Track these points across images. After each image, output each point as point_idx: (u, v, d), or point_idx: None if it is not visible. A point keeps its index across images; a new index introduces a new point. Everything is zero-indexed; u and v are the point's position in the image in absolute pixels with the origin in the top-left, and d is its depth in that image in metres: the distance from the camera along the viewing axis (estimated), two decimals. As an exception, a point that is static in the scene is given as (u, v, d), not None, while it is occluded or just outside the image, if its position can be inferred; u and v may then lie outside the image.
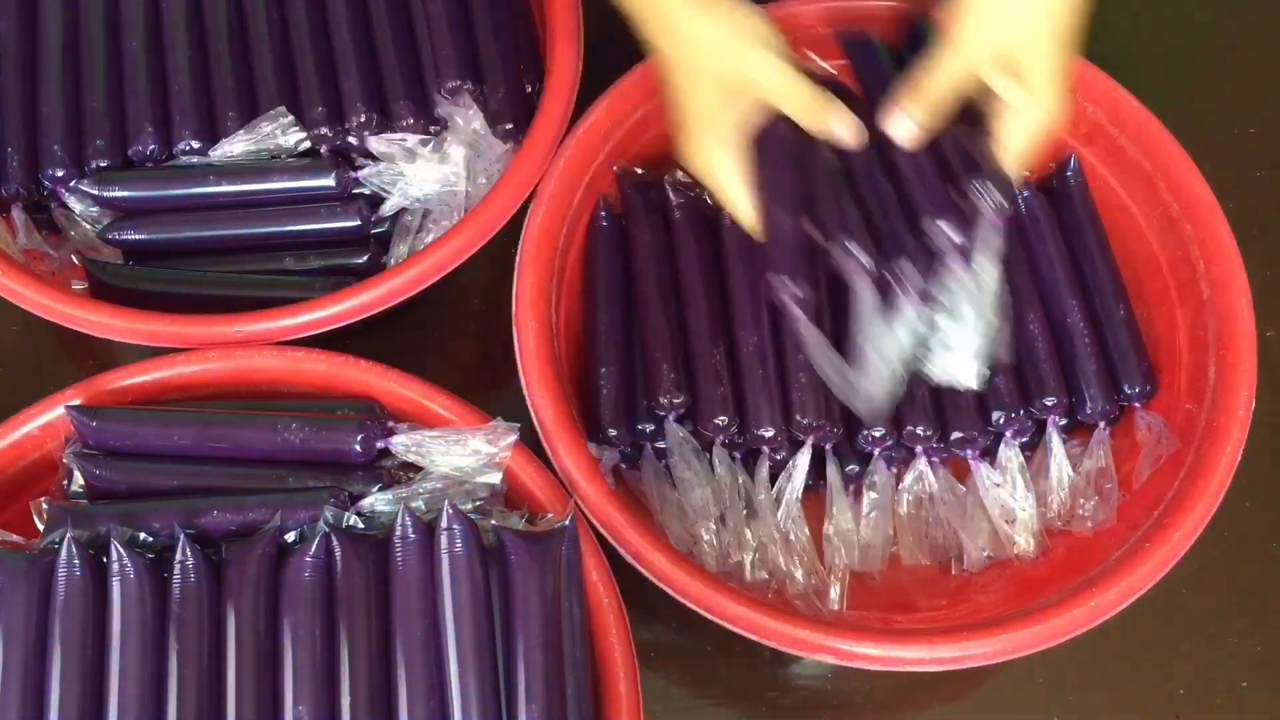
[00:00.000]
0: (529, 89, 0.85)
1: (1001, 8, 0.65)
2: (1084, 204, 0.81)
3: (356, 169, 0.83)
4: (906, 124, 0.68)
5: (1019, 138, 0.67)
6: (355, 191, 0.83)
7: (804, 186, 0.70)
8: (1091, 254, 0.79)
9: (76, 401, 0.71)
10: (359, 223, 0.81)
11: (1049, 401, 0.75)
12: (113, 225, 0.81)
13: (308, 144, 0.83)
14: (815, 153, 0.70)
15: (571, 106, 0.80)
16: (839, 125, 0.68)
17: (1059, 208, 0.82)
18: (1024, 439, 0.76)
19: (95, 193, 0.80)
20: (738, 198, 0.70)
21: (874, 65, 0.75)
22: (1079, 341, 0.77)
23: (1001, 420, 0.75)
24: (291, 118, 0.82)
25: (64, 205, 0.82)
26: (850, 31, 0.79)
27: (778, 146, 0.70)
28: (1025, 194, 0.81)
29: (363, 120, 0.83)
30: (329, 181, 0.81)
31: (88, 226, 0.82)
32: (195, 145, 0.82)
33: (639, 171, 0.82)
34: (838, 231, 0.68)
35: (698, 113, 0.69)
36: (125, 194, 0.81)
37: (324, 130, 0.83)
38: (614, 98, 0.79)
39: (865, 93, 0.74)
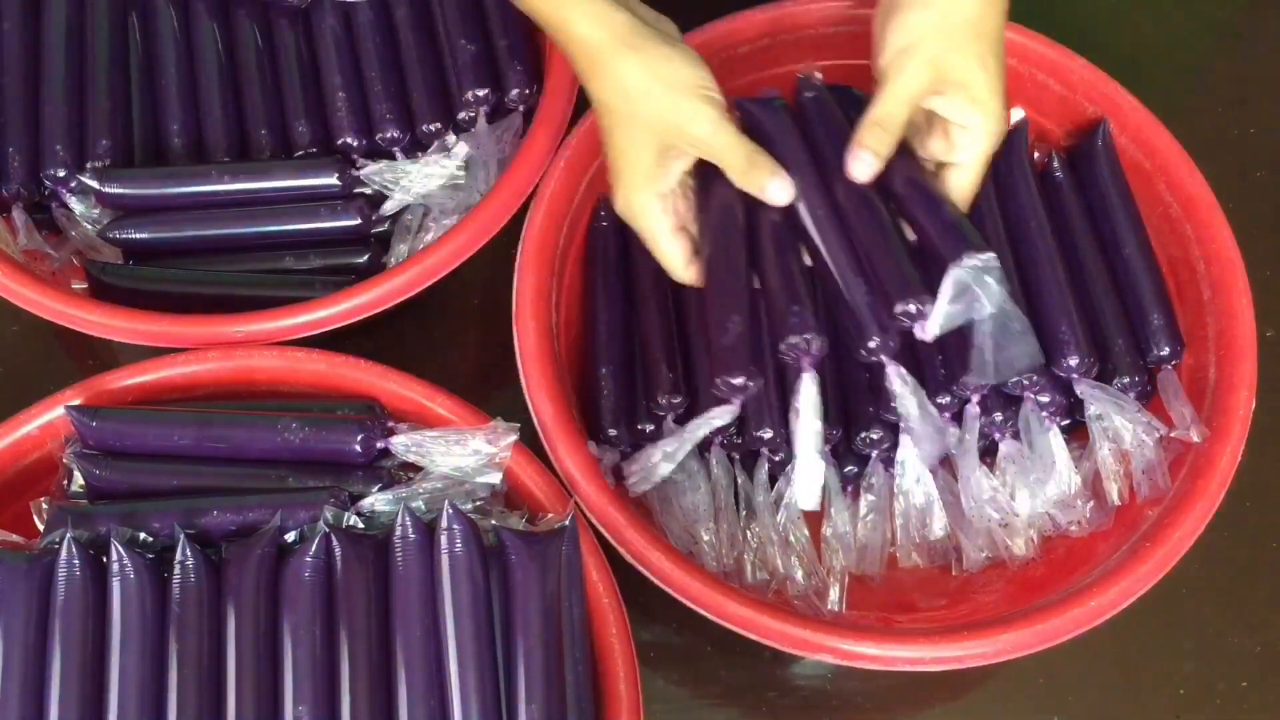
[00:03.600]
0: (529, 90, 0.85)
1: (928, 31, 0.66)
2: (1113, 175, 0.80)
3: (357, 168, 0.83)
4: (869, 161, 0.67)
5: (972, 153, 0.68)
6: (356, 190, 0.83)
7: (748, 246, 0.69)
8: (1120, 237, 0.79)
9: (76, 401, 0.71)
10: (359, 221, 0.81)
11: (1045, 399, 0.75)
12: (113, 224, 0.81)
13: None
14: (761, 209, 0.69)
15: (571, 107, 0.80)
16: (773, 186, 0.68)
17: (1084, 180, 0.81)
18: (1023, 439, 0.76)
19: (96, 187, 0.80)
20: (669, 250, 0.70)
21: (779, 120, 0.72)
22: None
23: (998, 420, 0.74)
24: None
25: (64, 205, 0.82)
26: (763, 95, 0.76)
27: (722, 201, 0.69)
28: (1056, 170, 0.81)
29: (392, 136, 0.84)
30: (331, 179, 0.81)
31: (88, 226, 0.82)
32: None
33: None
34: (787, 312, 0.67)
35: (629, 159, 0.68)
36: (126, 191, 0.81)
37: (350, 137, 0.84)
38: (614, 98, 0.79)
39: (780, 149, 0.70)
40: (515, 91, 0.85)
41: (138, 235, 0.81)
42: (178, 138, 0.83)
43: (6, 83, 0.83)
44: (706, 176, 0.70)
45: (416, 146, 0.85)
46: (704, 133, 0.67)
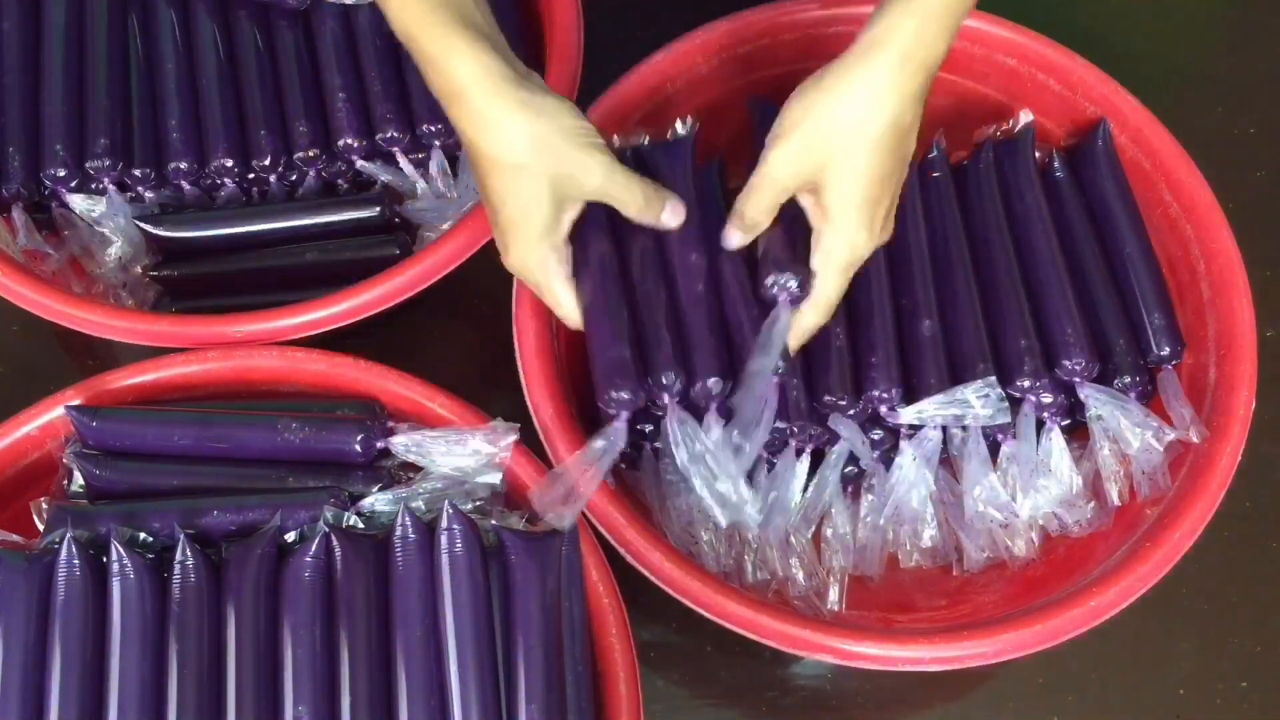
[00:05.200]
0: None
1: (810, 138, 0.64)
2: (1113, 175, 0.80)
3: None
4: (734, 239, 0.70)
5: (817, 259, 0.67)
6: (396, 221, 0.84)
7: (627, 281, 0.72)
8: (1120, 237, 0.79)
9: (76, 401, 0.71)
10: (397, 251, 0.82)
11: (1046, 400, 0.75)
12: (157, 264, 0.83)
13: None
14: (637, 242, 0.72)
15: (571, 107, 0.80)
16: (667, 213, 0.70)
17: (1085, 180, 0.81)
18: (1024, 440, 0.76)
19: (150, 230, 0.81)
20: (566, 300, 0.69)
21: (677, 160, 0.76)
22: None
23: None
24: None
25: (64, 205, 0.82)
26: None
27: (599, 241, 0.71)
28: (1056, 169, 0.81)
29: (392, 136, 0.84)
30: (373, 213, 0.82)
31: (87, 226, 0.82)
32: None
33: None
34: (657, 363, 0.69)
35: (527, 214, 0.66)
36: (171, 234, 0.82)
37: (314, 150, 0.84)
38: (612, 99, 0.79)
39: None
40: (515, 91, 0.85)
41: (180, 273, 0.83)
42: (176, 134, 0.83)
43: (6, 83, 0.83)
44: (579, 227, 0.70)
45: (416, 146, 0.85)
46: (599, 180, 0.66)
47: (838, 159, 0.64)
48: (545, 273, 0.68)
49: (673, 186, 0.72)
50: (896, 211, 0.69)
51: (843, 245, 0.66)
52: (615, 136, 0.77)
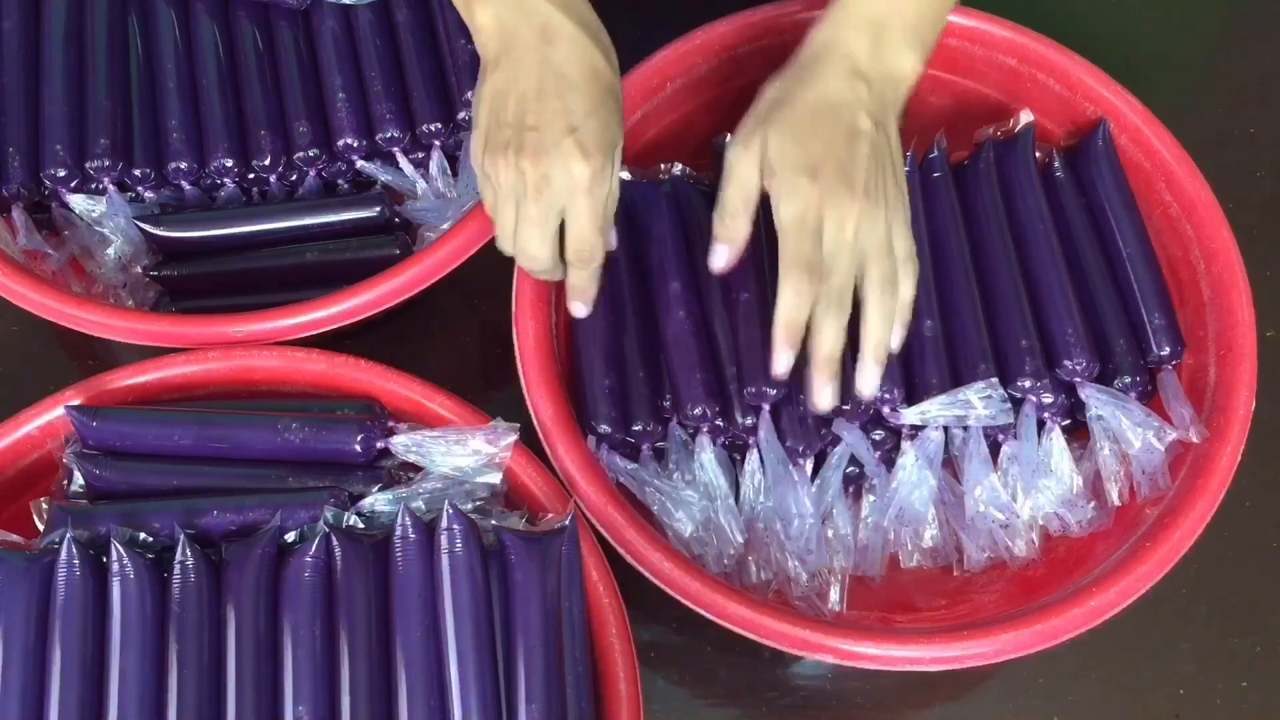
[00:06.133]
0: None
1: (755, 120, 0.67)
2: (1113, 175, 0.79)
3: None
4: (718, 256, 0.69)
5: (776, 222, 0.66)
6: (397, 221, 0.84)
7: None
8: (1121, 237, 0.78)
9: (76, 401, 0.71)
10: (397, 251, 0.82)
11: (1047, 400, 0.75)
12: (157, 264, 0.82)
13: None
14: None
15: (571, 106, 0.80)
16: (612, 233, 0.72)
17: (1085, 180, 0.81)
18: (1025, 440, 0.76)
19: (150, 230, 0.81)
20: (604, 228, 0.69)
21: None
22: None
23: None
24: None
25: (64, 205, 0.82)
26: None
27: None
28: (1056, 169, 0.81)
29: (391, 136, 0.84)
30: (374, 213, 0.82)
31: (87, 226, 0.82)
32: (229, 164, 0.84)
33: (634, 172, 0.82)
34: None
35: (611, 128, 0.66)
36: (171, 234, 0.81)
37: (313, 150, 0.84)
38: (614, 98, 0.79)
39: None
40: (515, 91, 0.85)
41: (180, 273, 0.82)
42: (176, 134, 0.83)
43: (6, 82, 0.83)
44: None
45: (416, 146, 0.85)
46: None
47: (773, 128, 0.66)
48: (610, 198, 0.68)
49: (652, 221, 0.77)
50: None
51: (788, 192, 0.65)
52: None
